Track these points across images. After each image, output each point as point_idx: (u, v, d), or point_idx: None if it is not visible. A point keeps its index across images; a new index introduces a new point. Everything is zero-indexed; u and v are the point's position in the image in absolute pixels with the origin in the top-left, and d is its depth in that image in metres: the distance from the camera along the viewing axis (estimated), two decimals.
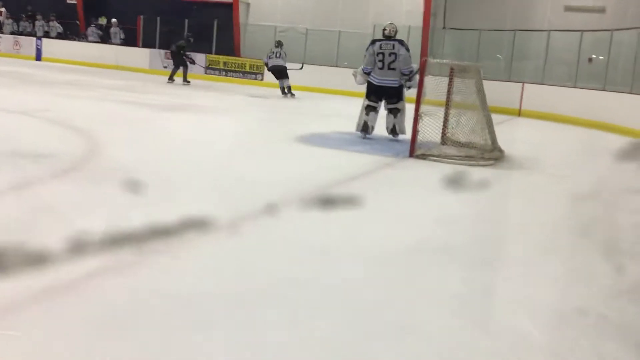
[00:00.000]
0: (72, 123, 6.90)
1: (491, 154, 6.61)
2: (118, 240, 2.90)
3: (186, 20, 19.63)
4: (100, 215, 3.44)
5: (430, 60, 7.00)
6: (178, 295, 2.48)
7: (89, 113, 8.29)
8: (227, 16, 19.49)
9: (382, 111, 7.73)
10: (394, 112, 7.64)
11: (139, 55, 19.63)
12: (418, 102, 6.50)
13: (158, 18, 20.27)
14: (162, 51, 19.30)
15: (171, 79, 15.50)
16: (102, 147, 5.73)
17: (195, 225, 3.28)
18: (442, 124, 6.96)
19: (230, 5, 19.49)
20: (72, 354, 1.98)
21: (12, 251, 2.61)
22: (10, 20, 21.66)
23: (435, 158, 6.36)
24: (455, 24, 17.13)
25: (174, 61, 15.84)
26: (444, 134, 7.01)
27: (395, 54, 7.47)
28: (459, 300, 2.69)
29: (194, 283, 2.64)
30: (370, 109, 7.58)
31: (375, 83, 7.57)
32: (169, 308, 2.35)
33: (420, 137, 6.47)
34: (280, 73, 13.86)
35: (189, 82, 15.56)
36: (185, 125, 8.16)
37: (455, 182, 5.42)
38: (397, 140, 7.54)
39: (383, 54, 7.49)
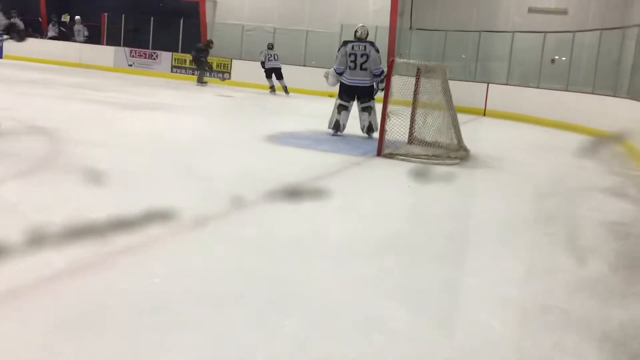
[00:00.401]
0: (35, 122, 6.77)
1: (457, 152, 6.70)
2: (81, 235, 2.86)
3: (152, 18, 19.41)
4: (62, 211, 3.38)
5: (398, 60, 7.06)
6: (144, 295, 2.45)
7: (51, 112, 8.14)
8: (194, 14, 19.33)
9: (354, 111, 7.84)
10: (368, 110, 7.84)
11: (103, 53, 19.35)
12: (385, 102, 6.55)
13: (123, 15, 20.00)
14: (127, 49, 19.06)
15: (201, 81, 16.19)
16: (65, 146, 5.64)
17: (160, 219, 3.25)
18: (409, 123, 7.03)
19: (196, 3, 19.33)
20: (33, 357, 1.95)
21: None
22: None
23: (402, 157, 6.42)
24: (421, 25, 17.29)
25: (196, 65, 16.47)
26: (411, 133, 7.07)
27: (367, 54, 7.70)
28: (424, 296, 2.72)
29: (161, 281, 2.62)
30: (342, 108, 7.77)
31: (347, 83, 7.77)
32: (135, 308, 2.33)
33: (387, 136, 6.53)
34: (278, 73, 15.01)
35: (205, 83, 16.18)
36: (151, 124, 8.07)
37: (420, 180, 5.50)
38: (373, 138, 7.59)
39: (355, 54, 7.70)
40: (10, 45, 18.08)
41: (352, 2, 18.32)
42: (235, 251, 3.12)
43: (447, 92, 7.00)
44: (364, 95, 7.79)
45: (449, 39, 15.95)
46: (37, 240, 2.73)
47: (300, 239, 3.43)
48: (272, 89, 15.22)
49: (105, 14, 20.25)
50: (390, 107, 6.57)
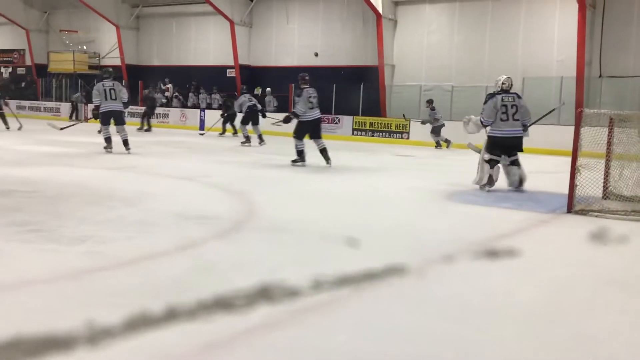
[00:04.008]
0: (231, 187, 7.38)
1: None
2: (272, 293, 3.02)
3: (334, 85, 20.45)
4: (257, 269, 3.60)
5: (587, 110, 6.66)
6: (329, 354, 2.50)
7: (244, 177, 8.83)
8: (373, 78, 20.03)
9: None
10: (517, 162, 7.72)
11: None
12: (575, 155, 6.17)
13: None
14: None
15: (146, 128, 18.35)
16: (258, 207, 6.05)
17: (349, 282, 3.32)
18: (602, 177, 6.53)
19: (375, 68, 20.04)
20: None
21: (183, 307, 2.80)
22: (177, 95, 23.98)
23: (597, 214, 5.95)
24: (612, 72, 16.20)
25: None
26: (605, 187, 6.56)
27: (516, 105, 7.65)
28: None
29: (346, 339, 2.66)
30: (494, 162, 7.65)
31: (499, 135, 7.65)
32: None
33: (578, 191, 6.12)
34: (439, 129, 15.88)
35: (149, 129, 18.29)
36: (331, 184, 8.38)
37: (620, 239, 5.00)
38: (524, 192, 7.59)
39: (506, 106, 7.63)
40: (211, 117, 20.11)
41: (534, 54, 17.77)
42: (419, 312, 3.07)
43: None
44: (516, 147, 7.69)
45: None
46: (229, 299, 2.94)
47: (489, 301, 3.29)
48: (438, 144, 15.82)
49: (292, 84, 21.77)
50: (580, 160, 6.17)
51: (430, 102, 16.30)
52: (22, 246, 4.12)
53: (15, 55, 31.39)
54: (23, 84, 29.57)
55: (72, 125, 14.01)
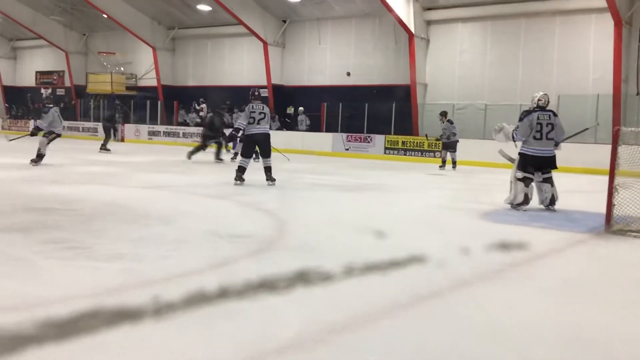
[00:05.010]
0: (263, 205, 7.43)
1: None
2: None
3: (366, 104, 20.53)
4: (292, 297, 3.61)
5: (624, 129, 6.54)
6: None
7: (276, 195, 8.89)
8: (406, 97, 20.04)
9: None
10: (550, 180, 7.61)
11: (323, 139, 20.78)
12: (612, 174, 6.06)
13: (340, 104, 21.46)
14: (344, 134, 20.27)
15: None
16: (288, 226, 6.08)
17: None
18: None
19: (408, 87, 20.06)
20: None
21: None
22: (210, 114, 24.26)
23: (635, 233, 5.81)
24: None
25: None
26: None
27: (552, 124, 7.54)
28: None
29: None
30: (529, 181, 7.56)
31: (533, 154, 7.56)
32: None
33: (616, 211, 5.99)
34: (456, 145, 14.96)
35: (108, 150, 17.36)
36: (367, 204, 8.37)
37: None
38: (555, 211, 7.48)
39: (541, 124, 7.54)
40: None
41: (569, 71, 17.58)
42: (453, 333, 3.05)
43: None
44: (549, 165, 7.57)
45: None
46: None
47: (523, 322, 3.23)
48: (450, 163, 14.95)
49: (325, 103, 21.92)
50: (617, 179, 6.05)
51: (444, 114, 14.97)
52: (61, 263, 4.21)
53: (55, 77, 32.35)
54: (62, 105, 30.39)
55: (20, 138, 14.13)
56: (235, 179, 9.38)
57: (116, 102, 24.65)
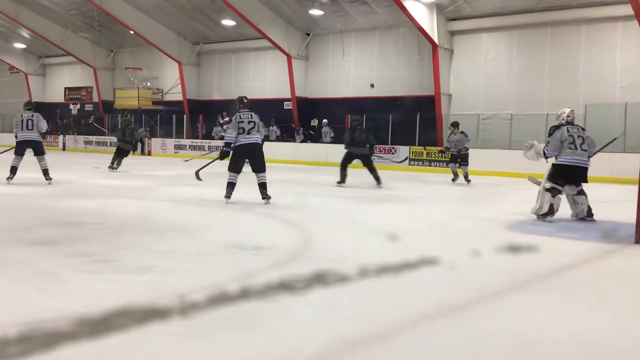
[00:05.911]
0: (286, 217, 7.44)
1: None
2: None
3: (390, 115, 20.48)
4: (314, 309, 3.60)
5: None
6: None
7: (300, 207, 8.89)
8: (430, 108, 19.96)
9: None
10: (584, 192, 7.60)
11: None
12: None
13: (364, 115, 21.44)
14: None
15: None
16: (313, 239, 6.07)
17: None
18: None
19: (432, 97, 19.99)
20: None
21: None
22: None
23: None
24: None
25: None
26: None
27: (582, 137, 7.57)
28: None
29: None
30: (556, 192, 7.49)
31: (566, 163, 7.51)
32: None
33: None
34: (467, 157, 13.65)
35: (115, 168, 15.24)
36: (392, 215, 8.33)
37: None
38: (595, 221, 7.44)
39: (573, 136, 7.55)
40: (268, 148, 20.45)
41: (596, 80, 17.36)
42: (478, 346, 3.00)
43: None
44: (583, 177, 7.53)
45: None
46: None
47: (552, 335, 3.17)
48: (461, 177, 13.64)
49: (349, 115, 21.93)
50: None
51: (456, 125, 13.82)
52: (88, 277, 4.26)
53: (84, 93, 32.96)
54: (91, 120, 30.91)
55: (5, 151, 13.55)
56: (225, 196, 8.57)
57: (127, 117, 23.16)
